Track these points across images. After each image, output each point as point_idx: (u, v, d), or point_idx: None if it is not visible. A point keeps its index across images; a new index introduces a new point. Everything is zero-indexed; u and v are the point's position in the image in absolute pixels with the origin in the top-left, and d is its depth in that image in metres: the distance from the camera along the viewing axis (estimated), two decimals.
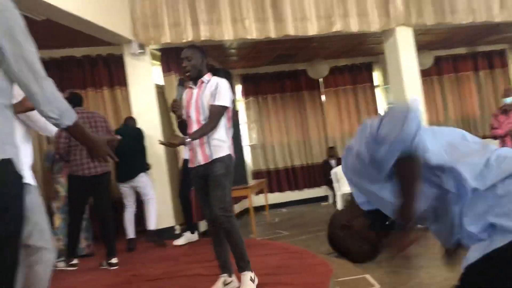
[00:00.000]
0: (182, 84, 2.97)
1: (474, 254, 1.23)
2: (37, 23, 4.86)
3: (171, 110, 3.10)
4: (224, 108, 3.00)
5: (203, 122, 2.95)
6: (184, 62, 3.08)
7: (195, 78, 3.09)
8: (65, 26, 4.95)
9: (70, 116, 1.57)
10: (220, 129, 3.00)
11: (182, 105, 3.09)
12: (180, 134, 3.25)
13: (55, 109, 1.52)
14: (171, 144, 3.10)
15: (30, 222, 1.96)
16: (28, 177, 1.89)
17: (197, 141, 2.94)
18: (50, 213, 4.72)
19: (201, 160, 2.97)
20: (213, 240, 3.06)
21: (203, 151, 2.96)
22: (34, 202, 2.02)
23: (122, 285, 3.50)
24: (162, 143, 3.18)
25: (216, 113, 2.96)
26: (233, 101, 6.78)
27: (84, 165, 4.15)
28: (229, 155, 3.01)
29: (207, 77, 3.12)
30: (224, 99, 2.98)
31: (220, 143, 2.98)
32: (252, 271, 2.98)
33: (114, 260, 4.13)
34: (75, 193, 4.24)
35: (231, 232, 2.88)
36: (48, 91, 1.51)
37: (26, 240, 2.04)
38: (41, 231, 2.15)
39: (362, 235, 1.47)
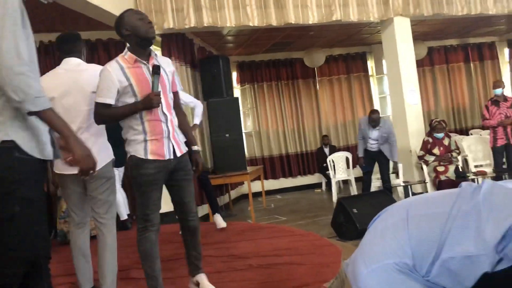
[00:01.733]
0: (158, 72, 2.54)
1: None
2: (44, 6, 4.84)
3: (155, 105, 2.41)
4: None
5: None
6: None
7: None
8: (68, 9, 4.93)
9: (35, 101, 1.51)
10: None
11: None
12: None
13: (18, 90, 1.47)
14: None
15: None
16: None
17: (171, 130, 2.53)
18: (58, 197, 4.73)
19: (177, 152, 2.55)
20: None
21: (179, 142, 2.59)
22: None
23: (132, 265, 3.55)
24: None
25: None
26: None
27: None
28: None
29: None
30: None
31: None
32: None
33: None
34: None
35: (199, 231, 2.72)
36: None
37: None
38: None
39: None
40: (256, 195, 8.04)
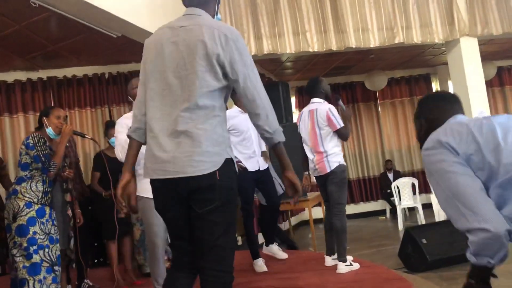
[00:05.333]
0: None
1: None
2: (113, 39, 5.09)
3: None
4: None
5: None
6: None
7: None
8: (135, 41, 5.15)
9: None
10: None
11: None
12: None
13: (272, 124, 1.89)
14: None
15: None
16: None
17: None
18: (131, 224, 4.75)
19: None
20: None
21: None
22: None
23: None
24: None
25: None
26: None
27: None
28: None
29: None
30: None
31: None
32: None
33: None
34: None
35: None
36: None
37: None
38: None
39: None
40: (317, 221, 7.87)
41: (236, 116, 4.27)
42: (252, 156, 4.27)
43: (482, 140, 1.53)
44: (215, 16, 2.00)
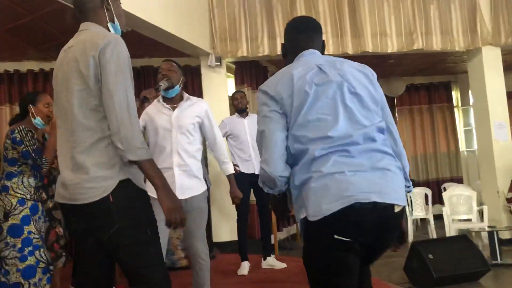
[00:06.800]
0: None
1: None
2: (123, 34, 5.04)
3: None
4: None
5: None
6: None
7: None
8: (146, 37, 5.11)
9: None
10: None
11: None
12: None
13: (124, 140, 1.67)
14: None
15: None
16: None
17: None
18: None
19: None
20: None
21: None
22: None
23: None
24: None
25: None
26: None
27: None
28: None
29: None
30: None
31: None
32: None
33: None
34: None
35: None
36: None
37: None
38: None
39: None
40: None
41: (233, 121, 4.56)
42: (247, 160, 4.48)
43: (295, 89, 1.71)
44: (110, 24, 1.85)
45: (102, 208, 1.66)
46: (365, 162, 1.60)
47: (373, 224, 1.58)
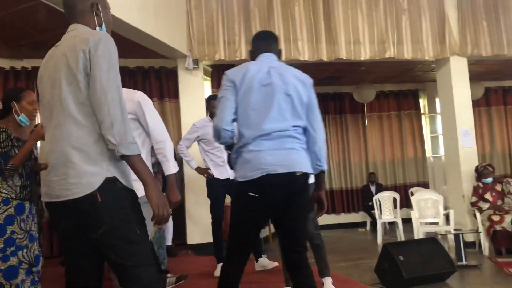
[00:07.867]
0: None
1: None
2: None
3: None
4: None
5: None
6: None
7: None
8: (123, 37, 5.08)
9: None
10: None
11: None
12: None
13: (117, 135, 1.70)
14: None
15: None
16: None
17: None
18: None
19: None
20: None
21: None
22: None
23: None
24: None
25: None
26: None
27: None
28: None
29: None
30: None
31: None
32: None
33: None
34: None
35: None
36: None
37: None
38: None
39: None
40: None
41: (205, 125, 4.46)
42: (221, 165, 4.46)
43: (246, 80, 2.31)
44: (98, 28, 1.89)
45: (90, 207, 1.66)
46: (279, 145, 2.26)
47: (279, 186, 2.24)
